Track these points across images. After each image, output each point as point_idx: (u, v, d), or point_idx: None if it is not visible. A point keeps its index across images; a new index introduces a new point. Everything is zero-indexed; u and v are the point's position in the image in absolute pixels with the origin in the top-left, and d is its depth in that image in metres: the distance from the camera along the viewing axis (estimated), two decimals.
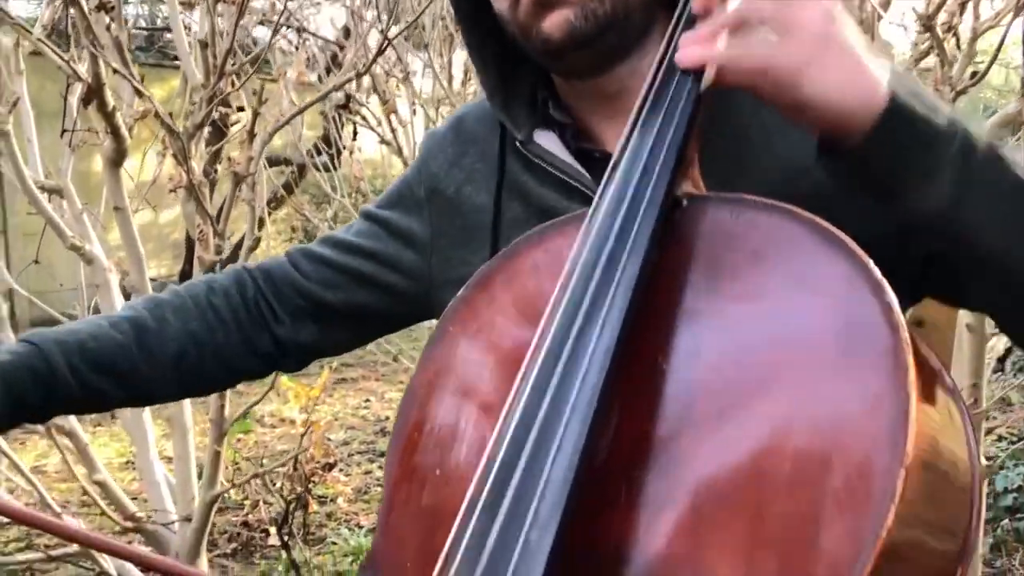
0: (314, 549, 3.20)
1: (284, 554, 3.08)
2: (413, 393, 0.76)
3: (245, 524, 3.47)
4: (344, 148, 3.20)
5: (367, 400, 5.36)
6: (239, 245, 1.54)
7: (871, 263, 0.63)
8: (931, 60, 1.68)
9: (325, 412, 4.82)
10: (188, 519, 1.58)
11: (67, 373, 0.81)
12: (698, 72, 0.69)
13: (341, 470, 4.08)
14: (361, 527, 3.38)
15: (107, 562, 1.64)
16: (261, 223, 1.56)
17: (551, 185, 0.86)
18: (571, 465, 0.63)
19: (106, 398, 0.86)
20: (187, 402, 1.65)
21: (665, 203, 0.72)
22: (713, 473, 0.63)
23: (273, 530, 3.44)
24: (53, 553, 1.66)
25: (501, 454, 0.64)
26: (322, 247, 0.96)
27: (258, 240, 1.48)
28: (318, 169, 3.16)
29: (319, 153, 3.42)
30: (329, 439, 4.02)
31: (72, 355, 0.82)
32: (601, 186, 0.73)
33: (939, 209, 0.66)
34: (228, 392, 1.55)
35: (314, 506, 3.48)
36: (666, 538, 0.62)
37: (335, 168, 3.27)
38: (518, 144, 0.87)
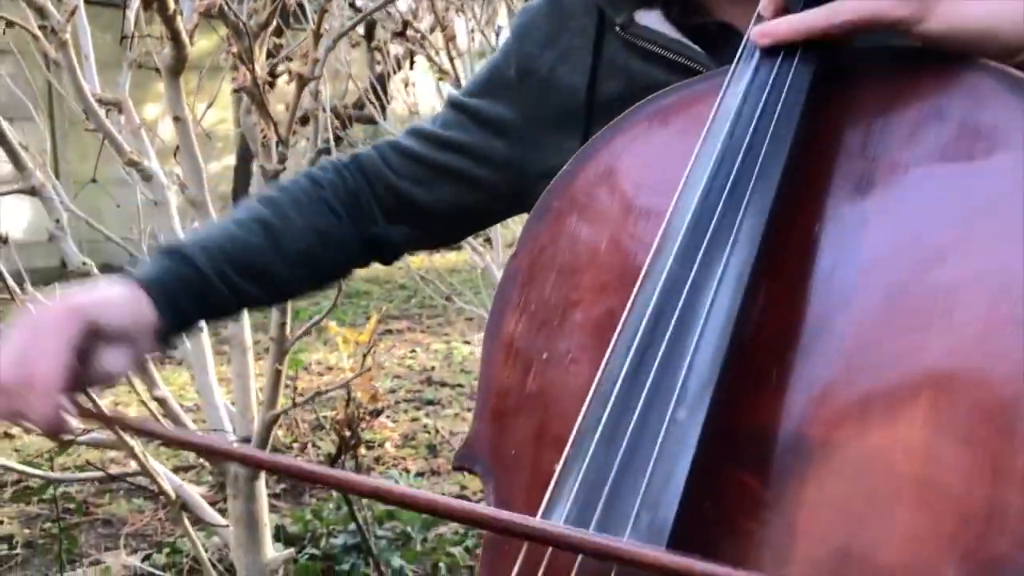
0: None
1: (335, 492, 3.08)
2: (513, 273, 0.71)
3: None
4: (392, 98, 3.14)
5: (413, 351, 5.36)
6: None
7: None
8: None
9: (371, 361, 4.83)
10: (248, 440, 1.56)
11: (216, 279, 0.80)
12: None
13: (388, 416, 4.08)
14: (409, 471, 3.38)
15: (166, 483, 1.62)
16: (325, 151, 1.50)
17: (658, 65, 0.80)
18: (721, 339, 0.57)
19: (251, 300, 0.85)
20: (246, 320, 1.61)
21: (821, 56, 0.65)
22: (884, 352, 0.56)
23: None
24: (112, 472, 1.65)
25: (641, 329, 0.59)
26: (410, 140, 0.91)
27: (320, 152, 1.43)
28: (368, 121, 3.11)
29: (363, 107, 3.36)
30: (376, 386, 4.01)
31: (217, 261, 0.80)
32: (743, 46, 0.67)
33: None
34: (289, 309, 1.51)
35: (362, 450, 3.48)
36: (828, 423, 0.56)
37: (383, 118, 3.21)
38: (618, 28, 0.81)
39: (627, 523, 0.54)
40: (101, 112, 1.60)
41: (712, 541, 0.56)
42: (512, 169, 0.87)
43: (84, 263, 1.37)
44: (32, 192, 1.38)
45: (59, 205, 1.41)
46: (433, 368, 4.99)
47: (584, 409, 0.59)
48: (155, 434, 0.80)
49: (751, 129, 0.64)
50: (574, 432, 0.58)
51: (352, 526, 2.63)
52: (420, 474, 3.36)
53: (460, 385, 4.62)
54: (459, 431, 3.81)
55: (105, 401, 1.69)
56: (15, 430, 3.86)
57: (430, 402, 4.36)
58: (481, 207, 0.90)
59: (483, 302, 3.08)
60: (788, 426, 0.57)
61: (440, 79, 2.75)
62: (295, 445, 3.61)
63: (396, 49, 3.20)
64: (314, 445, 3.65)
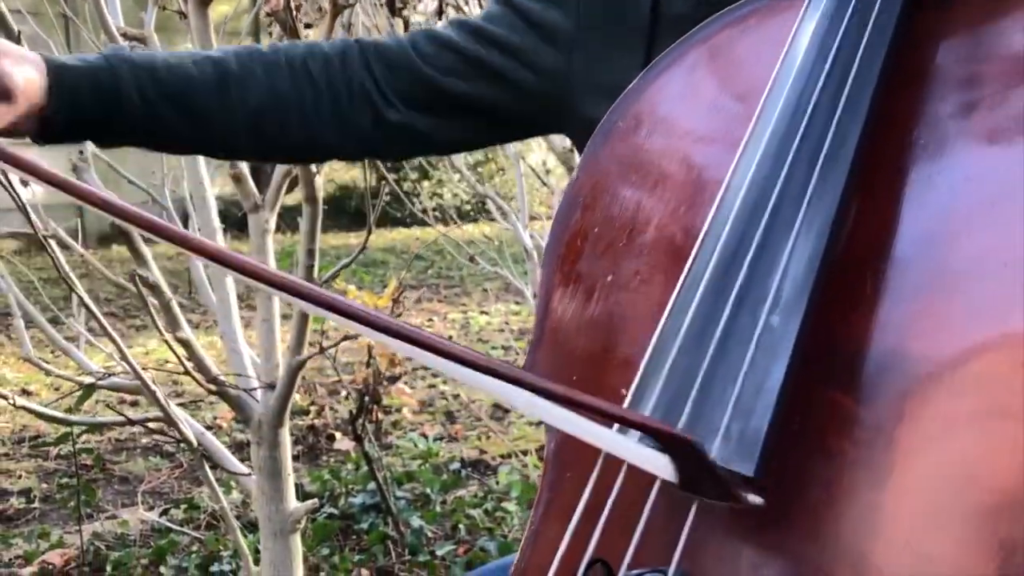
0: (382, 452, 3.17)
1: (353, 454, 3.06)
2: (574, 197, 0.67)
3: (311, 428, 3.46)
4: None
5: (430, 319, 5.34)
6: None
7: None
8: None
9: (401, 307, 4.82)
10: (272, 386, 1.52)
11: (133, 93, 0.76)
12: None
13: (405, 383, 4.06)
14: (427, 436, 3.35)
15: (187, 429, 1.59)
16: None
17: None
18: (818, 243, 0.53)
19: (172, 132, 0.79)
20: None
21: None
22: (993, 261, 0.51)
23: (339, 435, 3.43)
24: (132, 417, 1.61)
25: (725, 236, 0.55)
26: (451, 30, 0.85)
27: None
28: None
29: None
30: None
31: (141, 77, 0.76)
32: None
33: None
34: (317, 251, 1.47)
35: (380, 414, 3.46)
36: (931, 337, 0.51)
37: None
38: None
39: (716, 433, 0.50)
40: (125, 46, 1.55)
41: (803, 459, 0.52)
42: (557, 79, 0.82)
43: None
44: None
45: None
46: (450, 337, 4.97)
47: (665, 317, 0.55)
48: (49, 180, 0.80)
49: (843, 33, 0.59)
50: (653, 341, 0.55)
51: (371, 486, 2.61)
52: (439, 438, 3.33)
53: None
54: (476, 399, 3.78)
55: (136, 350, 1.66)
56: (33, 386, 3.86)
57: None
58: (516, 113, 0.85)
59: (507, 266, 3.03)
60: (885, 341, 0.52)
61: None
62: (312, 408, 3.59)
63: (418, 18, 3.14)
64: (332, 408, 3.63)
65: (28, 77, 0.71)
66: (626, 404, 0.53)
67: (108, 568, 2.28)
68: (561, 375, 0.63)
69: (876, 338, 0.53)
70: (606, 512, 0.53)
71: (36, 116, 0.73)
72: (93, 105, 0.75)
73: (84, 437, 3.16)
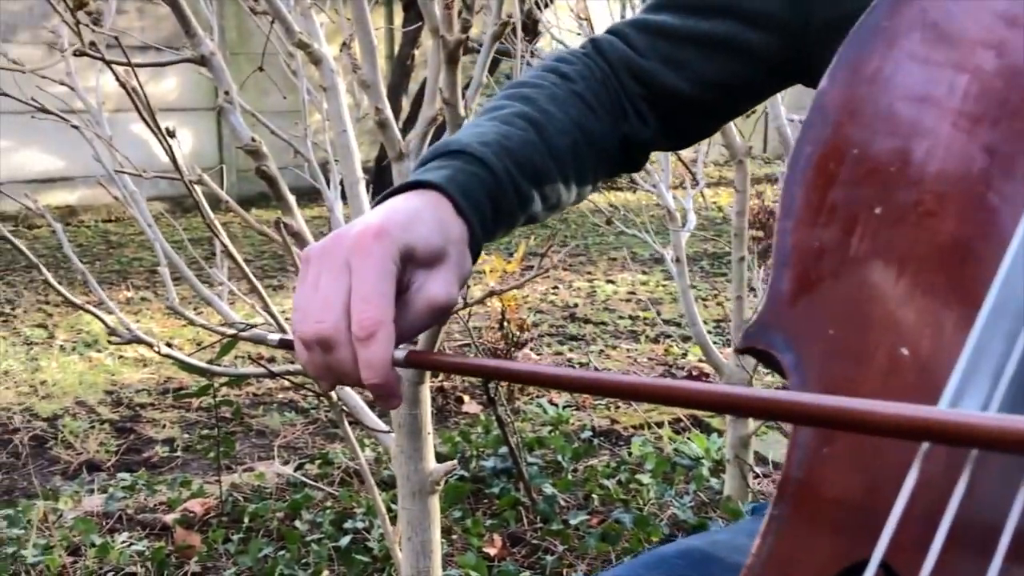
0: (512, 417, 3.12)
1: (482, 417, 3.02)
2: (823, 110, 0.55)
3: (440, 390, 3.45)
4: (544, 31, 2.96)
5: (555, 287, 5.27)
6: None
7: None
8: None
9: (514, 294, 4.78)
10: (415, 343, 1.46)
11: (506, 180, 0.65)
12: None
13: (532, 348, 4.00)
14: (556, 404, 3.28)
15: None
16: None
17: None
18: None
19: (531, 210, 0.69)
20: None
21: None
22: None
23: (467, 398, 3.40)
24: (274, 369, 1.60)
25: None
26: (658, 13, 0.75)
27: (504, 25, 1.30)
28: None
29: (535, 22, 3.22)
30: (523, 318, 3.92)
31: (502, 158, 0.65)
32: None
33: None
34: None
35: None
36: None
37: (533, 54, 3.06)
38: None
39: None
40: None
41: None
42: (793, 24, 0.71)
43: (253, 139, 1.29)
44: (202, 61, 1.31)
45: (228, 77, 1.33)
46: (576, 305, 4.88)
47: (1015, 248, 0.43)
48: (500, 373, 0.63)
49: None
50: (1000, 276, 0.43)
51: (501, 450, 2.56)
52: (567, 406, 3.26)
53: (604, 323, 4.49)
54: (604, 368, 3.68)
55: (274, 309, 1.65)
56: (176, 340, 4.00)
57: (573, 338, 4.26)
58: (748, 82, 0.75)
59: (647, 231, 2.90)
60: None
61: None
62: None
63: None
64: None
65: (440, 222, 0.60)
66: (958, 369, 0.41)
67: (245, 520, 2.31)
68: (814, 326, 0.51)
69: None
70: (952, 514, 0.40)
71: (467, 248, 0.62)
72: (489, 208, 0.64)
73: (223, 390, 3.24)
